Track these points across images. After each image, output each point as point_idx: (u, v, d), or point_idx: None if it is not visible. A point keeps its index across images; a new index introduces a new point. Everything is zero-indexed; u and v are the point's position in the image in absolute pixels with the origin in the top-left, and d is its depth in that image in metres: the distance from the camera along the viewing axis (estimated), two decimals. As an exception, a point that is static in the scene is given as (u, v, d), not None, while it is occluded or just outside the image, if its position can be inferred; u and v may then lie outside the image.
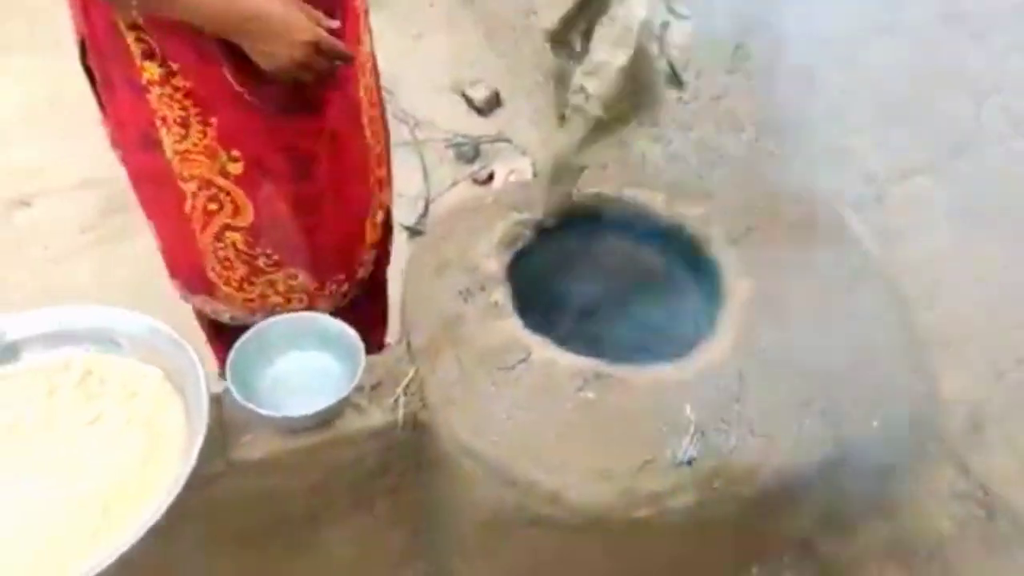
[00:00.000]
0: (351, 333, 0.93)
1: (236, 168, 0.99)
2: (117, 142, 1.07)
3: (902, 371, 0.93)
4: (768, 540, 1.02)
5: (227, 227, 1.05)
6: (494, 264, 1.01)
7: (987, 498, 0.89)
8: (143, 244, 1.28)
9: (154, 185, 1.05)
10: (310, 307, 1.12)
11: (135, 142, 1.01)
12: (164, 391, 0.83)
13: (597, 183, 1.09)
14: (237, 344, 0.90)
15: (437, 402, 0.91)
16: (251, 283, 1.10)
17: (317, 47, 0.88)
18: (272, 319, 0.94)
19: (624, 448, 0.85)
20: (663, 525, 0.85)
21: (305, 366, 0.95)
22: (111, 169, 1.19)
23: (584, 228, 1.10)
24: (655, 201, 1.08)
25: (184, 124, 0.96)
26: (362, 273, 1.20)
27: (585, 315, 1.05)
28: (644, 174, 1.32)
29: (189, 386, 0.82)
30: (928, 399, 0.93)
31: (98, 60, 0.96)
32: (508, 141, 2.21)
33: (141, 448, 0.79)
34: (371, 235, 1.19)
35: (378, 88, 1.18)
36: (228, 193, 1.02)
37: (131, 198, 1.16)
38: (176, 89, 0.92)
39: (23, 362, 0.86)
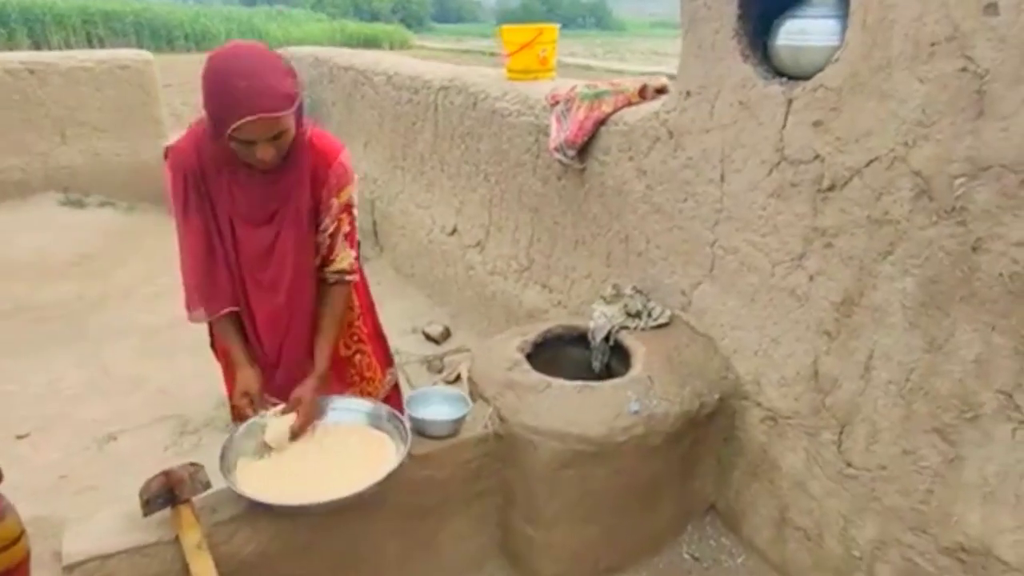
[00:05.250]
0: (465, 396, 1.83)
1: None
2: None
3: (717, 370, 1.97)
4: (687, 460, 1.93)
5: None
6: (519, 354, 1.99)
7: (771, 414, 1.89)
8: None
9: None
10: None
11: None
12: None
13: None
14: (412, 394, 1.80)
15: (508, 414, 1.82)
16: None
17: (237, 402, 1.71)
18: (424, 389, 1.85)
19: (606, 411, 1.79)
20: (631, 448, 1.77)
21: (440, 409, 1.83)
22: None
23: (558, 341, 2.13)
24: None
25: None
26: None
27: (570, 369, 2.02)
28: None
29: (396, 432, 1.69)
30: (732, 379, 1.97)
31: None
32: (468, 350, 3.25)
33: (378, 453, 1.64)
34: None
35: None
36: None
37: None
38: None
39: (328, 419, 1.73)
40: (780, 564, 1.93)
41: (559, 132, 2.44)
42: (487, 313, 3.30)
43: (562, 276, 2.71)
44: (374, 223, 4.58)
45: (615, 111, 2.30)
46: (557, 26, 3.01)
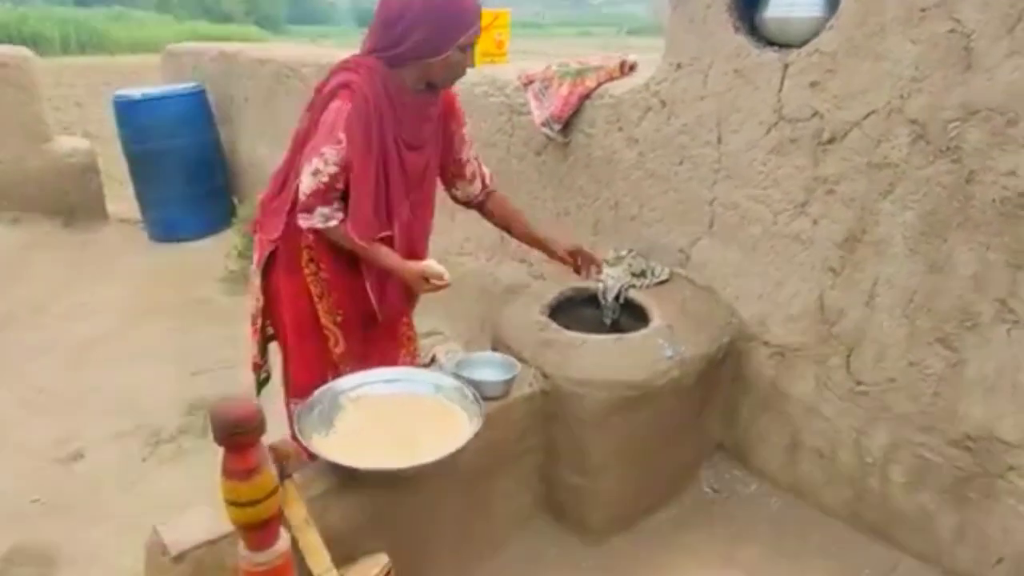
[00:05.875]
0: (512, 359, 1.89)
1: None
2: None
3: (723, 316, 2.17)
4: (703, 401, 2.11)
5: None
6: (543, 317, 2.09)
7: (779, 349, 2.10)
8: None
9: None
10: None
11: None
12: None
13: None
14: (458, 360, 1.84)
15: (552, 371, 1.91)
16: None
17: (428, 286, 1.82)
18: (475, 354, 1.90)
19: (644, 358, 1.92)
20: (668, 390, 1.92)
21: (487, 371, 1.88)
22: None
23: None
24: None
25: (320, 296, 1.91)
26: None
27: (584, 327, 2.13)
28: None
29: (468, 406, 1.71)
30: (737, 323, 2.17)
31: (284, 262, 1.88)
32: (441, 333, 3.28)
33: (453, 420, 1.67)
34: None
35: None
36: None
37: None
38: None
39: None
40: (793, 485, 2.15)
41: (541, 109, 2.54)
42: (458, 294, 3.33)
43: (544, 249, 2.81)
44: (306, 219, 4.47)
45: (599, 86, 2.44)
46: (508, 11, 3.11)
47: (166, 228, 4.97)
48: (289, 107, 4.30)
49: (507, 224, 2.15)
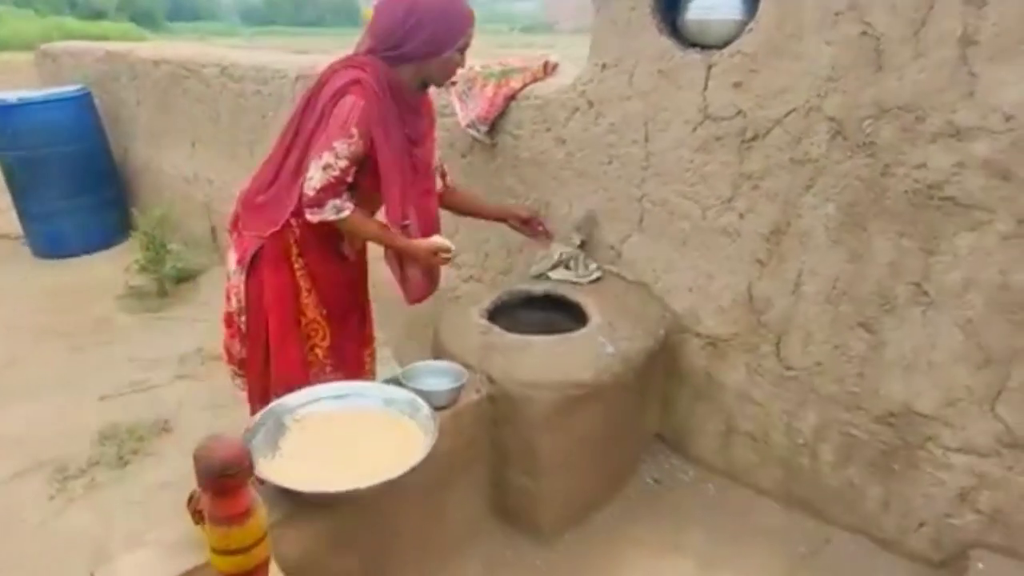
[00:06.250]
0: (458, 367, 1.86)
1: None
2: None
3: (657, 310, 2.22)
4: (641, 394, 2.16)
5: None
6: (484, 320, 2.07)
7: (711, 340, 2.18)
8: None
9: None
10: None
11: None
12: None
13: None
14: (403, 370, 1.79)
15: (499, 375, 1.90)
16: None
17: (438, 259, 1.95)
18: (419, 363, 1.85)
19: (587, 357, 1.94)
20: (612, 386, 1.95)
21: (431, 381, 1.84)
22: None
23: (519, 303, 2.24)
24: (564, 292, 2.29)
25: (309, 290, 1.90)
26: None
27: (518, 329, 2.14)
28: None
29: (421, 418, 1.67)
30: (670, 316, 2.23)
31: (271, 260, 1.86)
32: (368, 341, 3.19)
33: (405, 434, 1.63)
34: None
35: None
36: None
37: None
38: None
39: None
40: (727, 469, 2.24)
41: (466, 110, 2.52)
42: (382, 300, 3.26)
43: (473, 251, 2.80)
44: (212, 229, 4.25)
45: (524, 87, 2.44)
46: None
47: (52, 243, 4.60)
48: (188, 110, 4.07)
49: (471, 208, 2.33)
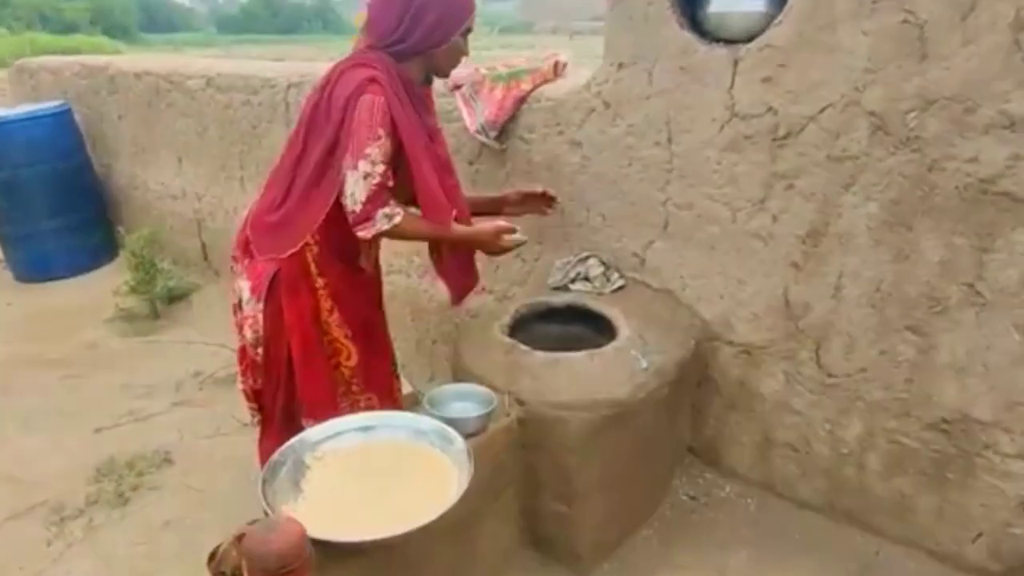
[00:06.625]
0: (485, 390, 1.75)
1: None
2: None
3: (686, 318, 2.12)
4: (674, 407, 2.05)
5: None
6: (507, 338, 1.95)
7: (745, 348, 2.08)
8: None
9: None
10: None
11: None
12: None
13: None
14: (428, 395, 1.68)
15: (528, 396, 1.78)
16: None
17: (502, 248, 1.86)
18: (445, 387, 1.73)
19: (620, 373, 1.83)
20: (648, 402, 1.84)
21: (462, 408, 1.72)
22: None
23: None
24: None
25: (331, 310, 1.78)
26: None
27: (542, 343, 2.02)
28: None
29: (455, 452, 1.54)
30: (700, 324, 2.13)
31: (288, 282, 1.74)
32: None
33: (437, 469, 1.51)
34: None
35: None
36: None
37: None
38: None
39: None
40: (764, 481, 2.14)
41: (474, 115, 2.40)
42: (389, 314, 3.13)
43: (484, 261, 2.67)
44: (203, 246, 4.10)
45: (534, 88, 2.33)
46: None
47: (34, 266, 4.42)
48: (173, 123, 3.92)
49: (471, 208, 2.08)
